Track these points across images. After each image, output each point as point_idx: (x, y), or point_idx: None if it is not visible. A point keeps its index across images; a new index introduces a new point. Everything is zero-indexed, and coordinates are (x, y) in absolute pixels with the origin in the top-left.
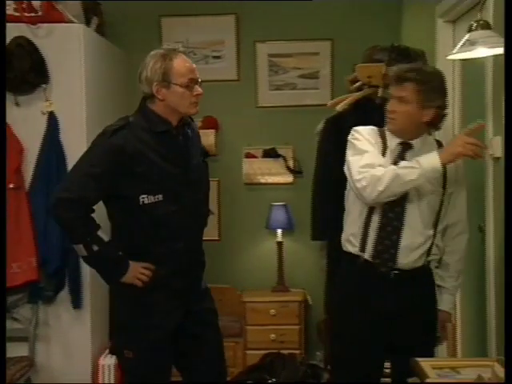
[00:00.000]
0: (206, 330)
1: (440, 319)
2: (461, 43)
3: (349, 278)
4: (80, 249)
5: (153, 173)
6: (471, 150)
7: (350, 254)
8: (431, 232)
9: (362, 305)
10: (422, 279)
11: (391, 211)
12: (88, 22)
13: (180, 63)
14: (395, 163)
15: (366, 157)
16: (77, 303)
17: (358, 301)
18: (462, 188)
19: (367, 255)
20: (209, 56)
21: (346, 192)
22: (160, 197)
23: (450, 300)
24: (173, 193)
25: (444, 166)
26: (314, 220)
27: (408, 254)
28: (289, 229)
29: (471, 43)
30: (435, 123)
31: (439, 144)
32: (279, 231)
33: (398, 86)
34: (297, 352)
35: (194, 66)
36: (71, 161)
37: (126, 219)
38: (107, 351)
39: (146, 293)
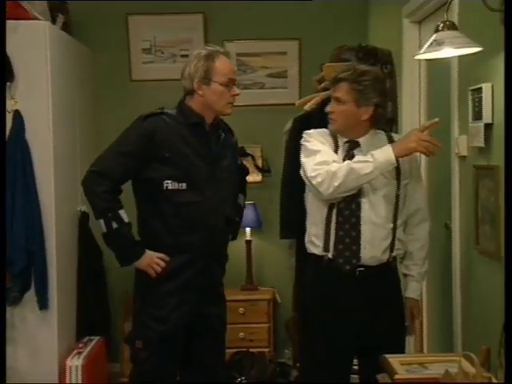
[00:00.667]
0: (209, 337)
1: (408, 306)
2: (428, 43)
3: (315, 278)
4: (101, 224)
5: (179, 160)
6: (424, 146)
7: (314, 254)
8: (391, 225)
9: (329, 305)
10: (387, 276)
11: (347, 208)
12: (54, 20)
13: (222, 63)
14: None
15: (320, 155)
16: (43, 304)
17: (326, 301)
18: (418, 178)
19: (331, 255)
20: (177, 55)
21: (305, 194)
22: (184, 185)
23: (417, 287)
24: (197, 184)
25: (397, 159)
26: (282, 219)
27: (370, 249)
28: (257, 227)
29: (438, 43)
30: (376, 121)
31: (389, 138)
32: (248, 230)
33: (334, 87)
34: (265, 350)
35: (235, 67)
36: (37, 160)
37: (149, 203)
38: (75, 352)
39: (157, 283)
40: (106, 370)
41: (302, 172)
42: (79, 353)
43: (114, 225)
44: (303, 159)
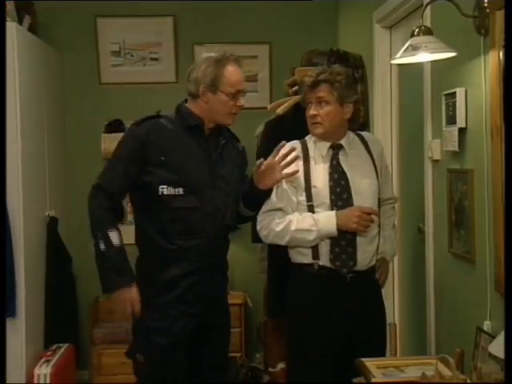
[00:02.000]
0: (213, 347)
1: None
2: (404, 48)
3: (304, 287)
4: (94, 243)
5: (175, 164)
6: (363, 225)
7: (300, 263)
8: (378, 229)
9: (322, 311)
10: (372, 279)
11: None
12: (20, 21)
13: (231, 73)
14: (332, 168)
15: (269, 200)
16: (10, 311)
17: (318, 308)
18: (387, 171)
19: (323, 261)
20: (146, 58)
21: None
22: (180, 190)
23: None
24: (194, 189)
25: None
26: (254, 222)
27: (364, 253)
28: None
29: (414, 48)
30: (355, 119)
31: (360, 137)
32: None
33: (314, 89)
34: (237, 355)
35: (244, 77)
36: (6, 160)
37: (145, 209)
38: (43, 360)
39: (156, 294)
40: (75, 377)
41: None
42: (47, 361)
43: (102, 246)
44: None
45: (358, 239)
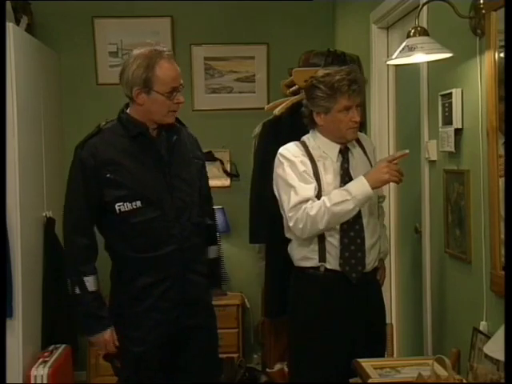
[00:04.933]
0: (197, 349)
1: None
2: (400, 49)
3: (309, 291)
4: (68, 285)
5: (128, 179)
6: (396, 176)
7: (305, 267)
8: (379, 229)
9: (329, 313)
10: (375, 280)
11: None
12: (18, 22)
13: (164, 71)
14: (343, 170)
15: (294, 193)
16: (8, 312)
17: (325, 310)
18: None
19: (331, 264)
20: None
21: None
22: (138, 203)
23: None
24: (152, 199)
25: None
26: (252, 223)
27: (371, 255)
28: (226, 232)
29: (410, 49)
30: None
31: (358, 140)
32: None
33: (354, 95)
34: (235, 355)
35: (179, 71)
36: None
37: (108, 229)
38: (40, 360)
39: (130, 304)
40: (72, 378)
41: (280, 203)
42: (45, 361)
43: (77, 290)
44: (278, 191)
45: (367, 243)
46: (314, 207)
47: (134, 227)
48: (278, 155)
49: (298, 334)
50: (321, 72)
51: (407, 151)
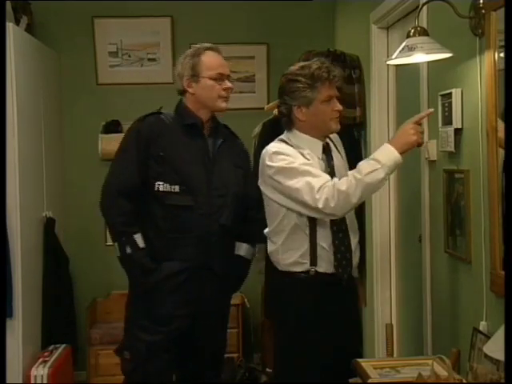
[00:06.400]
0: (204, 349)
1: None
2: (399, 49)
3: (300, 295)
4: (116, 247)
5: (173, 161)
6: (422, 138)
7: (295, 272)
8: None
9: (320, 316)
10: (354, 283)
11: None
12: (17, 22)
13: (209, 57)
14: (330, 168)
15: (311, 176)
16: (8, 312)
17: (317, 313)
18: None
19: (323, 267)
20: (144, 58)
21: (279, 226)
22: (176, 188)
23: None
24: (190, 188)
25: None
26: None
27: (356, 256)
28: None
29: (410, 49)
30: None
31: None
32: None
33: (332, 84)
34: (235, 355)
35: (224, 61)
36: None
37: (141, 205)
38: (40, 360)
39: (148, 292)
40: (72, 378)
41: (287, 198)
42: (45, 361)
43: (128, 250)
44: (288, 182)
45: (353, 243)
46: (342, 182)
47: (166, 209)
48: (269, 154)
49: (290, 339)
50: (295, 66)
51: (432, 110)
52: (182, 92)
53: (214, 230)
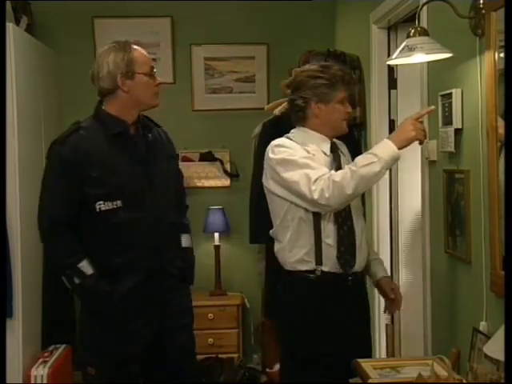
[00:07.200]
0: (173, 350)
1: (386, 283)
2: (399, 49)
3: (308, 295)
4: (63, 280)
5: (108, 177)
6: (422, 134)
7: (300, 271)
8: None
9: (327, 315)
10: (363, 282)
11: (339, 213)
12: (17, 22)
13: (139, 53)
14: (337, 163)
15: (309, 169)
16: (8, 312)
17: (323, 313)
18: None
19: (328, 266)
20: None
21: (283, 223)
22: (119, 203)
23: (383, 267)
24: (133, 199)
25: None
26: (252, 223)
27: (362, 253)
28: (226, 232)
29: (410, 49)
30: None
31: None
32: (216, 235)
33: (347, 87)
34: (234, 356)
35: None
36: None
37: (85, 227)
38: (40, 360)
39: (107, 307)
40: (72, 378)
41: (285, 190)
42: (45, 361)
43: (76, 280)
44: (287, 174)
45: (358, 238)
46: (338, 174)
47: (114, 227)
48: (272, 147)
49: (296, 340)
50: (315, 65)
51: (433, 107)
52: (109, 92)
53: (165, 230)
